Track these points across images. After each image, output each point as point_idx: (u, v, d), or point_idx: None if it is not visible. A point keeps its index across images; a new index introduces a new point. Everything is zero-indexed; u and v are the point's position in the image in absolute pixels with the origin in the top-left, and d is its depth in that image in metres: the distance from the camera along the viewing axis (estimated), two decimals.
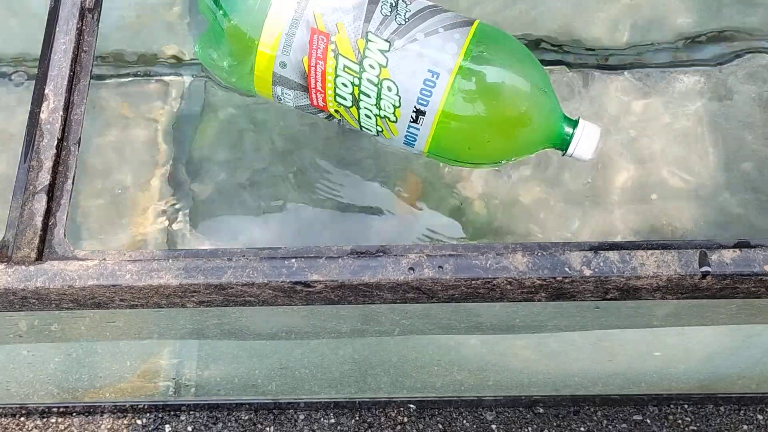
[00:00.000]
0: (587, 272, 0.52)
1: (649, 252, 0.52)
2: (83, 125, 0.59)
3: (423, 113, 0.55)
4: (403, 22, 0.54)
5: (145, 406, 1.02)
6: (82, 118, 0.59)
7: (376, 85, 0.54)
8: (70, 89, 0.60)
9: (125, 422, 1.01)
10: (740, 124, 0.65)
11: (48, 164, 0.57)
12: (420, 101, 0.54)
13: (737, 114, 0.66)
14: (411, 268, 0.52)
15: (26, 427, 1.01)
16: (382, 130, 0.57)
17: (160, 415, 1.02)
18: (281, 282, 0.52)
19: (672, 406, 1.01)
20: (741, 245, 0.53)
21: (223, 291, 0.53)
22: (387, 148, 0.65)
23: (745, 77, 0.68)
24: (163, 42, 0.71)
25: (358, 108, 0.56)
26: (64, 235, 0.55)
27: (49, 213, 0.55)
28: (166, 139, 0.67)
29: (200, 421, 1.01)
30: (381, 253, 0.53)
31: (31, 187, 0.56)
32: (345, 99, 0.55)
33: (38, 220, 0.55)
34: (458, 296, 0.53)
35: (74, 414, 1.01)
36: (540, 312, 0.62)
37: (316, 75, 0.55)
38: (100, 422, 1.01)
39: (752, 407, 1.01)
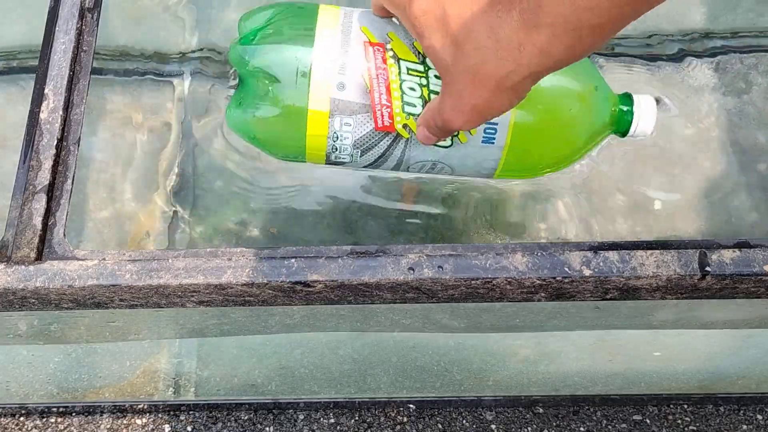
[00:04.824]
0: (587, 272, 0.52)
1: (649, 252, 0.52)
2: (83, 125, 0.59)
3: None
4: None
5: (145, 406, 1.01)
6: (82, 118, 0.59)
7: None
8: (69, 89, 0.60)
9: (125, 422, 1.01)
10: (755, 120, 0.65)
11: (48, 164, 0.56)
12: None
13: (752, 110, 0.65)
14: (411, 268, 0.52)
15: (26, 426, 1.01)
16: (458, 133, 0.54)
17: (159, 415, 1.02)
18: (281, 282, 0.52)
19: (672, 406, 1.01)
20: (741, 245, 0.53)
21: (223, 291, 0.53)
22: (453, 172, 0.58)
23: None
24: (167, 40, 0.71)
25: None
26: (64, 235, 0.55)
27: (48, 213, 0.55)
28: (166, 140, 0.67)
29: (200, 421, 1.01)
30: (381, 253, 0.53)
31: (31, 187, 0.56)
32: (414, 105, 0.52)
33: (38, 220, 0.55)
34: (458, 296, 0.53)
35: (74, 414, 1.01)
36: (540, 312, 0.62)
37: (380, 87, 0.52)
38: (100, 422, 1.01)
39: (752, 407, 1.01)
